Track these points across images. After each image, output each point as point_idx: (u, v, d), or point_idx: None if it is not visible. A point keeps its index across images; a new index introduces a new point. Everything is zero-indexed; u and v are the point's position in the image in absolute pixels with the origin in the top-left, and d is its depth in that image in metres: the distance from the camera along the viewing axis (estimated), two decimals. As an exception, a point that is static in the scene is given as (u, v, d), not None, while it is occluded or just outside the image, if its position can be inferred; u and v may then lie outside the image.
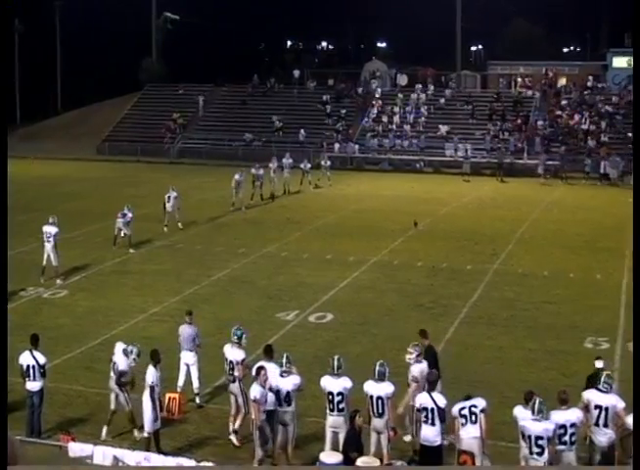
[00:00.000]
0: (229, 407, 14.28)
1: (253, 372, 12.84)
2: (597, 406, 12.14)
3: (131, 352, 14.04)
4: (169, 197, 30.81)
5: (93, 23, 74.13)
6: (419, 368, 13.46)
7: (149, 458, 11.17)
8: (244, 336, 14.33)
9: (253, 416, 12.46)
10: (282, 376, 12.98)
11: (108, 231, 28.51)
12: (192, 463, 11.06)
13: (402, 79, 60.62)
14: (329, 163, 45.00)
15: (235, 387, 14.10)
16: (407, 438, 13.54)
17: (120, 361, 13.95)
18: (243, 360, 14.08)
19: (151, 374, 13.44)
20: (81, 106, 69.14)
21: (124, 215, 27.44)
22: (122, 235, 27.59)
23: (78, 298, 22.51)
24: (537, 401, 11.59)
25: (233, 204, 35.49)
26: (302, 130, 55.95)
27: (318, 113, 58.99)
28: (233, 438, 13.92)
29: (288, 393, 12.85)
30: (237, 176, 35.52)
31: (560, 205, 38.80)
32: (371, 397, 12.59)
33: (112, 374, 13.99)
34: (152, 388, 13.35)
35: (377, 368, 12.75)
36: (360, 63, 71.98)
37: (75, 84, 74.19)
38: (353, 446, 11.95)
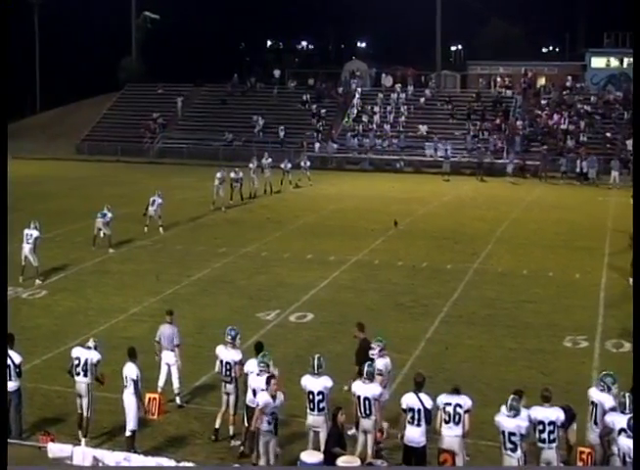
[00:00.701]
0: (219, 407, 14.19)
1: (263, 381, 12.74)
2: (591, 403, 12.37)
3: (95, 347, 13.93)
4: (154, 201, 30.62)
5: (72, 21, 73.74)
6: (383, 362, 13.61)
7: (129, 459, 11.16)
8: (238, 336, 14.32)
9: (253, 421, 12.37)
10: (258, 375, 12.99)
11: (87, 231, 28.39)
12: (172, 463, 11.05)
13: (387, 80, 60.53)
14: (308, 163, 45.01)
15: (231, 387, 14.08)
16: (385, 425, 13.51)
17: (92, 354, 13.79)
18: (240, 361, 14.04)
19: (132, 370, 13.43)
20: (60, 105, 68.79)
21: (104, 215, 27.37)
22: (102, 235, 27.50)
23: (58, 298, 22.42)
24: (510, 398, 11.73)
25: (213, 203, 35.45)
26: (282, 127, 55.96)
27: (299, 112, 59.01)
28: (234, 442, 13.84)
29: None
30: (219, 174, 35.54)
31: (539, 204, 38.99)
32: (358, 397, 12.57)
33: (77, 378, 13.79)
34: (135, 383, 13.36)
35: (365, 369, 12.77)
36: (340, 62, 72.03)
37: (54, 83, 73.73)
38: (335, 443, 11.95)
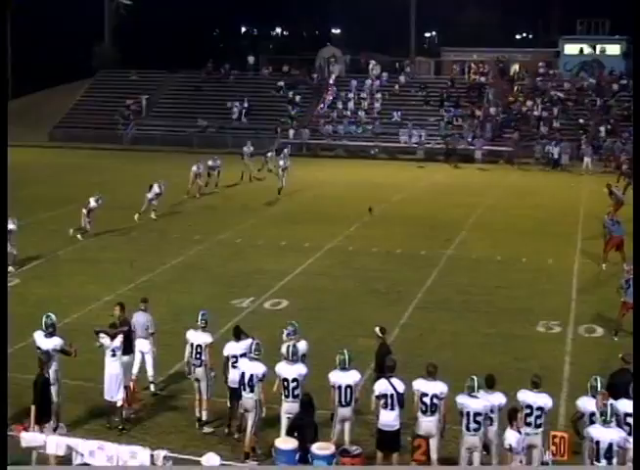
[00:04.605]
0: (193, 394, 14.27)
1: (260, 367, 12.91)
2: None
3: (50, 324, 13.90)
4: (151, 186, 30.58)
5: (44, 8, 72.99)
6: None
7: (103, 447, 11.13)
8: (208, 320, 14.41)
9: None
10: (251, 360, 13.06)
11: (61, 219, 28.30)
12: (146, 452, 11.04)
13: (376, 68, 60.15)
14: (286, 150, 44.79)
15: (200, 371, 14.08)
16: None
17: (53, 342, 13.74)
18: (211, 343, 14.13)
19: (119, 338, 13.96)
20: (32, 92, 68.14)
21: (87, 204, 27.30)
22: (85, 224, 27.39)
23: (31, 286, 22.29)
24: (475, 379, 11.96)
25: (188, 192, 35.31)
26: (245, 102, 56.31)
27: (273, 99, 58.82)
28: (206, 429, 13.92)
29: (251, 377, 12.86)
30: (194, 168, 35.46)
31: (513, 190, 39.19)
32: (339, 386, 12.58)
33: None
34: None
35: (339, 357, 12.76)
36: (315, 49, 71.82)
37: (26, 70, 73.01)
38: (312, 432, 12.03)
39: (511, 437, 11.29)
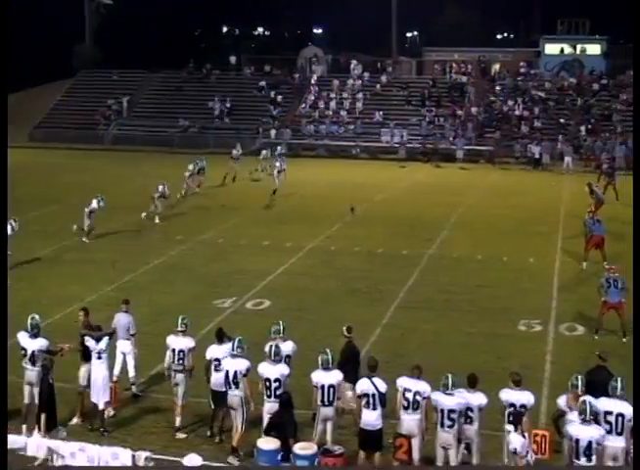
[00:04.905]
0: (174, 396, 14.21)
1: (243, 364, 12.95)
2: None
3: (35, 325, 13.93)
4: (157, 188, 30.59)
5: (24, 7, 72.61)
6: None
7: (84, 449, 11.09)
8: (188, 325, 14.37)
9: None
10: (232, 357, 13.07)
11: (43, 219, 28.16)
12: (128, 453, 11.02)
13: (358, 68, 60.09)
14: (264, 152, 44.76)
15: (181, 377, 14.01)
16: None
17: (39, 343, 13.77)
18: (194, 348, 14.07)
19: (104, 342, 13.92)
20: (12, 92, 67.74)
21: (89, 205, 27.24)
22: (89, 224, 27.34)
23: (14, 287, 22.11)
24: (450, 377, 12.04)
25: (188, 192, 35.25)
26: (227, 101, 56.07)
27: (255, 99, 58.78)
28: (179, 435, 13.82)
29: (235, 374, 12.86)
30: (190, 167, 35.55)
31: (494, 190, 39.31)
32: (322, 386, 12.60)
33: (27, 366, 13.73)
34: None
35: (322, 357, 12.80)
36: (297, 48, 71.80)
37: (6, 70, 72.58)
38: (293, 431, 12.04)
39: (516, 440, 11.30)
